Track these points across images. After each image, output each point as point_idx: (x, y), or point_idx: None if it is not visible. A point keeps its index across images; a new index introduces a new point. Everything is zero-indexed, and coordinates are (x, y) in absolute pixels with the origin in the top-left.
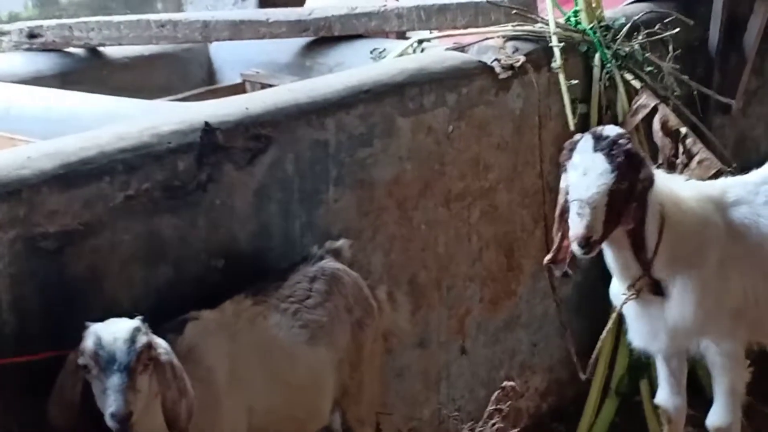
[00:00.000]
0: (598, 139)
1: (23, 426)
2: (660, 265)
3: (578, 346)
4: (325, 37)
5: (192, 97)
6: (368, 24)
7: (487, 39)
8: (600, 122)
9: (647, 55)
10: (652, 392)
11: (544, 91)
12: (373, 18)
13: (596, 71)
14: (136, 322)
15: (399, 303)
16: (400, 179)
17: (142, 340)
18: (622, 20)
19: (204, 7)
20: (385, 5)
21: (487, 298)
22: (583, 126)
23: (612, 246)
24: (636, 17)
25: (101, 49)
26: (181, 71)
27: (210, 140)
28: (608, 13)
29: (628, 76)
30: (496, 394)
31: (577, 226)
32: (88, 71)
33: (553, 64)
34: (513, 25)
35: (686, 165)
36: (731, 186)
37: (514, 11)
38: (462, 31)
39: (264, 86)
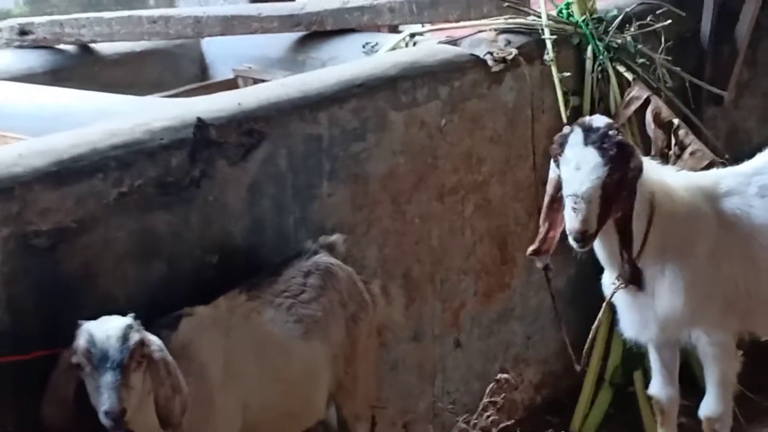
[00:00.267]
0: (588, 131)
1: (18, 425)
2: (650, 254)
3: (573, 338)
4: (318, 31)
5: (184, 92)
6: (360, 18)
7: (479, 32)
8: (593, 114)
9: (639, 46)
10: (646, 383)
11: (537, 83)
12: (365, 12)
13: (588, 63)
14: (128, 319)
15: (393, 297)
16: (394, 173)
17: (134, 337)
18: (614, 12)
19: (195, 3)
20: None
21: (482, 291)
22: (576, 118)
23: (601, 236)
24: (628, 9)
25: (93, 45)
26: (173, 67)
27: (203, 136)
28: (600, 5)
29: (621, 68)
30: (490, 386)
31: (573, 221)
32: (79, 68)
33: (546, 57)
34: (505, 18)
35: (678, 156)
36: (723, 177)
37: (506, 4)
38: (454, 24)
39: (256, 81)
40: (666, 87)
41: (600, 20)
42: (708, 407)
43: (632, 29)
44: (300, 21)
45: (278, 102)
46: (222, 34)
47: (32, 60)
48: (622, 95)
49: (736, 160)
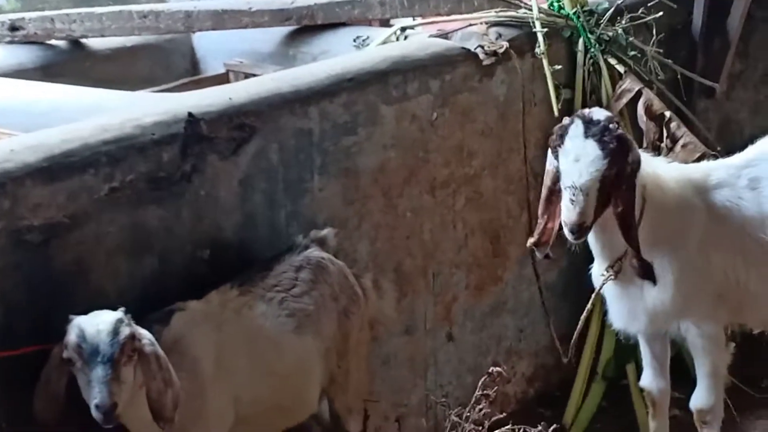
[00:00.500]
0: (588, 123)
1: (10, 420)
2: (640, 246)
3: (564, 330)
4: (309, 25)
5: (175, 87)
6: (351, 12)
7: (470, 25)
8: (584, 107)
9: (631, 39)
10: (639, 376)
11: (528, 77)
12: (356, 6)
13: (580, 56)
14: (119, 313)
15: (385, 291)
16: (385, 167)
17: (125, 331)
18: (605, 5)
19: None
20: None
21: (473, 285)
22: (568, 111)
23: (596, 227)
24: (619, 1)
25: (84, 41)
26: (164, 62)
27: (194, 131)
28: None
29: (612, 61)
30: (483, 379)
31: (570, 212)
32: (70, 63)
33: (537, 50)
34: (496, 11)
35: (671, 149)
36: (714, 169)
37: None
38: (445, 17)
39: (247, 76)
40: (658, 79)
41: (591, 13)
42: (699, 399)
43: (623, 21)
44: (291, 15)
45: (269, 96)
46: (213, 29)
47: (23, 56)
48: (613, 88)
49: (728, 152)
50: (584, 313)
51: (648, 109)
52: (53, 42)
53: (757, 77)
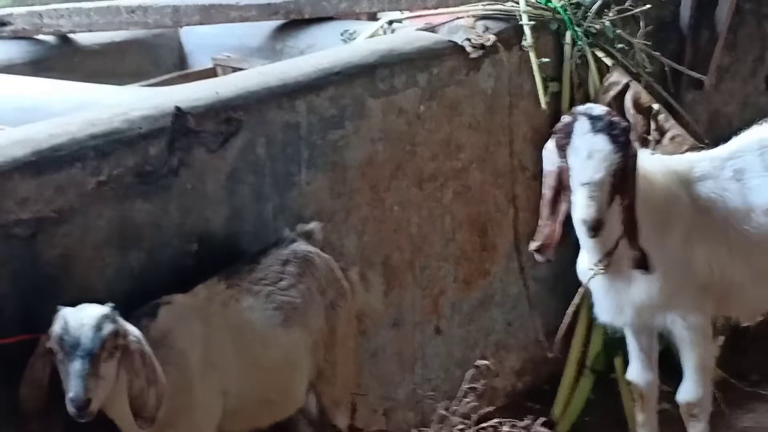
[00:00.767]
0: (593, 119)
1: None
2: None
3: (556, 324)
4: (296, 20)
5: (163, 82)
6: (338, 6)
7: (457, 19)
8: (572, 100)
9: (618, 31)
10: (626, 369)
11: (516, 70)
12: (343, 0)
13: (567, 49)
14: (105, 309)
15: (372, 284)
16: (372, 161)
17: (108, 327)
18: None
19: None
20: None
21: (461, 278)
22: (555, 104)
23: None
24: None
25: (72, 36)
26: (152, 57)
27: (181, 125)
28: None
29: (600, 54)
30: (471, 373)
31: (589, 209)
32: (59, 58)
33: (524, 43)
34: (483, 4)
35: (659, 141)
36: (698, 161)
37: None
38: (432, 11)
39: (235, 70)
40: (645, 72)
41: (578, 5)
42: (686, 392)
43: (611, 14)
44: (278, 9)
45: (256, 90)
46: (200, 23)
47: (12, 51)
48: (601, 81)
49: (717, 144)
50: (570, 308)
51: (636, 102)
52: (42, 37)
53: (745, 70)
